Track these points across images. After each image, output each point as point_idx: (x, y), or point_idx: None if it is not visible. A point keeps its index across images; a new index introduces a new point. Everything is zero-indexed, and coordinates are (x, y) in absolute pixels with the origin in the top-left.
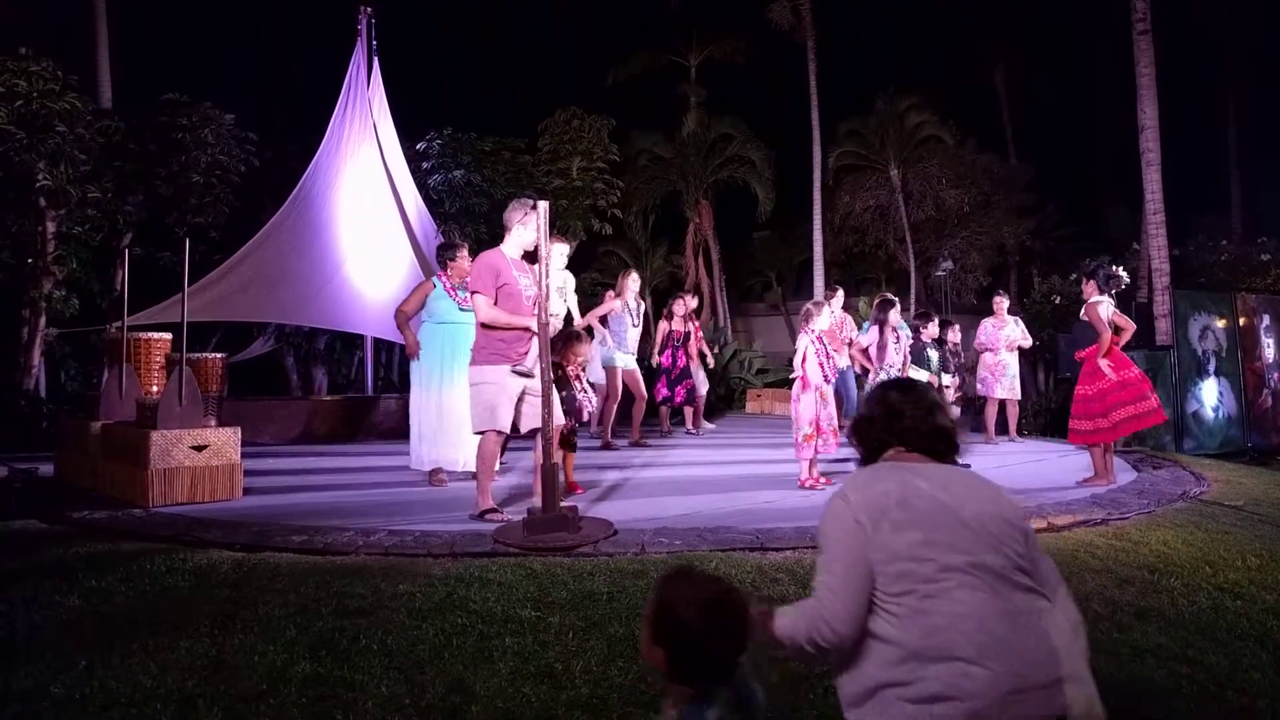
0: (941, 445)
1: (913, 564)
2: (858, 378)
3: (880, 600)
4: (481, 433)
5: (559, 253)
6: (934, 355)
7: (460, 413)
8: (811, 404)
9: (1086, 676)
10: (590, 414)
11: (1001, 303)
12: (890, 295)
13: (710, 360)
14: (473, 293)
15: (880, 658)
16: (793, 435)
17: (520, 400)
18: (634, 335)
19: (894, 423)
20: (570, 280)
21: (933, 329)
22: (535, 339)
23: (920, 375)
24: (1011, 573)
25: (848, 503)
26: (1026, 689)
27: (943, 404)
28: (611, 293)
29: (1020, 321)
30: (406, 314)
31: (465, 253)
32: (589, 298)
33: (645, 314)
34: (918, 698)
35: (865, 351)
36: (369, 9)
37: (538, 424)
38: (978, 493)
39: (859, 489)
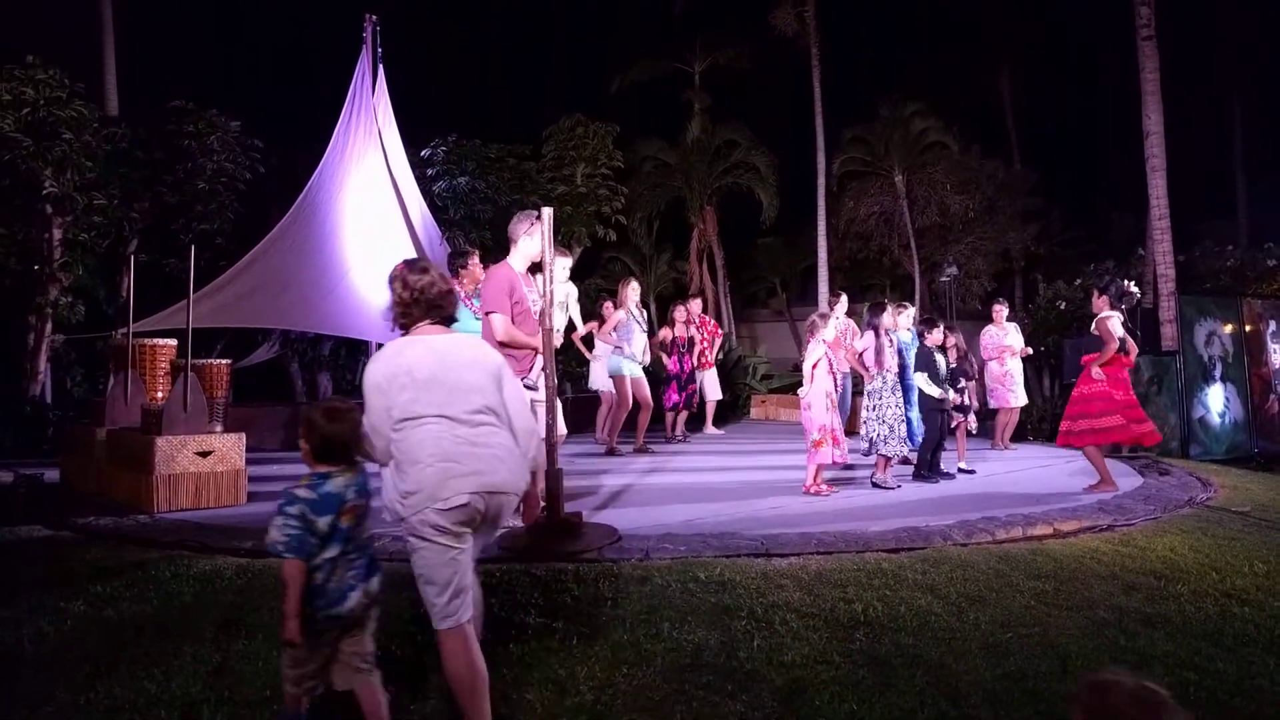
0: (446, 313)
1: (407, 411)
2: (855, 384)
3: (392, 433)
4: None
5: (560, 266)
6: (941, 361)
7: None
8: (823, 410)
9: (507, 467)
10: None
11: (1000, 310)
12: (883, 300)
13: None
14: (488, 313)
15: (394, 469)
16: (805, 441)
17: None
18: (641, 340)
19: (418, 300)
20: (573, 292)
21: (937, 335)
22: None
23: (923, 381)
24: (470, 415)
25: (377, 372)
26: (459, 474)
27: (440, 278)
28: (610, 305)
29: (1018, 329)
30: None
31: (477, 260)
32: (593, 303)
33: (649, 320)
34: (402, 492)
35: (860, 357)
36: (374, 16)
37: (542, 428)
38: (465, 362)
39: (386, 361)
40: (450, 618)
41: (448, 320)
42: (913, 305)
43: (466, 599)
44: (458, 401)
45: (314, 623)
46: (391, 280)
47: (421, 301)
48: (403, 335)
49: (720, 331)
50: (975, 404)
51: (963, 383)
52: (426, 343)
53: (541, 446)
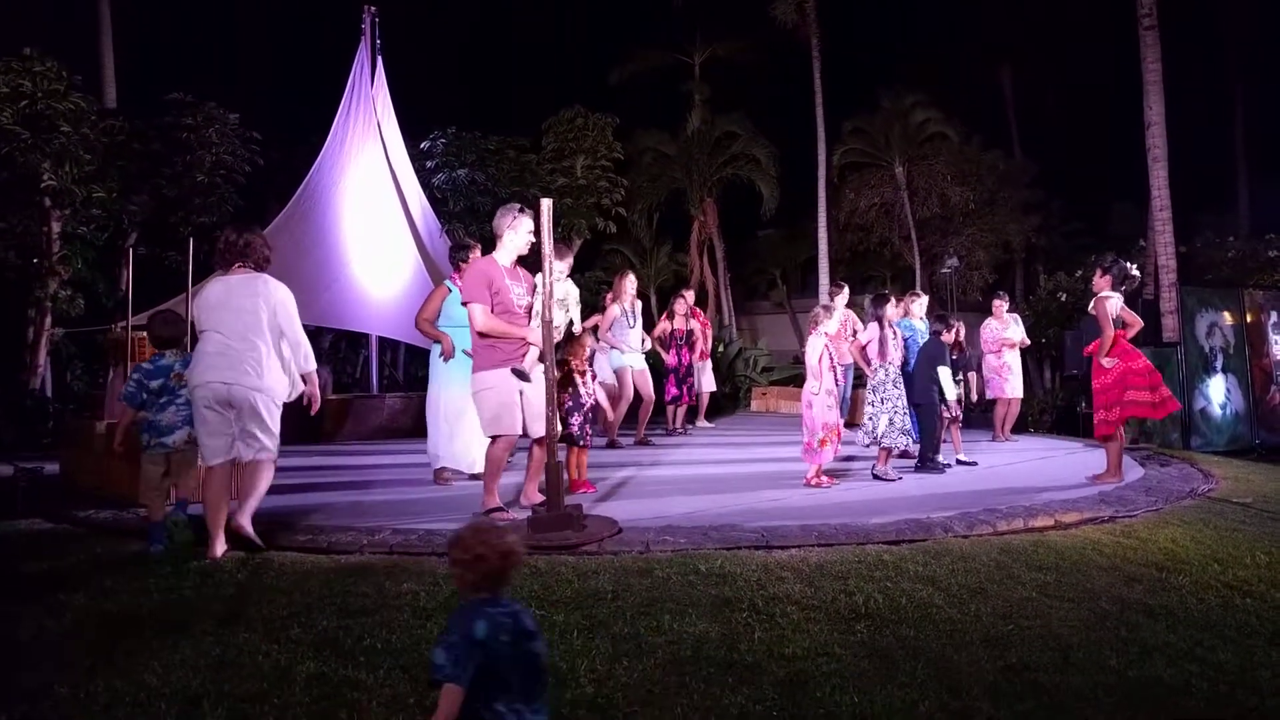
0: (251, 260)
1: (201, 325)
2: (856, 377)
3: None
4: (492, 437)
5: (558, 269)
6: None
7: (470, 415)
8: (824, 409)
9: (252, 371)
10: (594, 410)
11: (1001, 305)
12: (887, 292)
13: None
14: (467, 303)
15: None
16: (803, 439)
17: (522, 403)
18: (635, 335)
19: (231, 245)
20: (573, 291)
21: (950, 335)
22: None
23: (945, 378)
24: (237, 332)
25: (195, 300)
26: (214, 368)
27: (251, 237)
28: (610, 297)
29: (1019, 321)
30: (430, 319)
31: (478, 253)
32: (594, 295)
33: (648, 311)
34: (192, 374)
35: (864, 349)
36: (373, 8)
37: (540, 421)
38: (246, 294)
39: (201, 291)
40: (211, 458)
41: (258, 264)
42: (920, 295)
43: (217, 449)
44: (230, 322)
45: (151, 448)
46: (230, 236)
47: (231, 250)
48: (220, 274)
49: (709, 324)
50: (975, 396)
51: (959, 374)
52: (226, 281)
53: (309, 356)
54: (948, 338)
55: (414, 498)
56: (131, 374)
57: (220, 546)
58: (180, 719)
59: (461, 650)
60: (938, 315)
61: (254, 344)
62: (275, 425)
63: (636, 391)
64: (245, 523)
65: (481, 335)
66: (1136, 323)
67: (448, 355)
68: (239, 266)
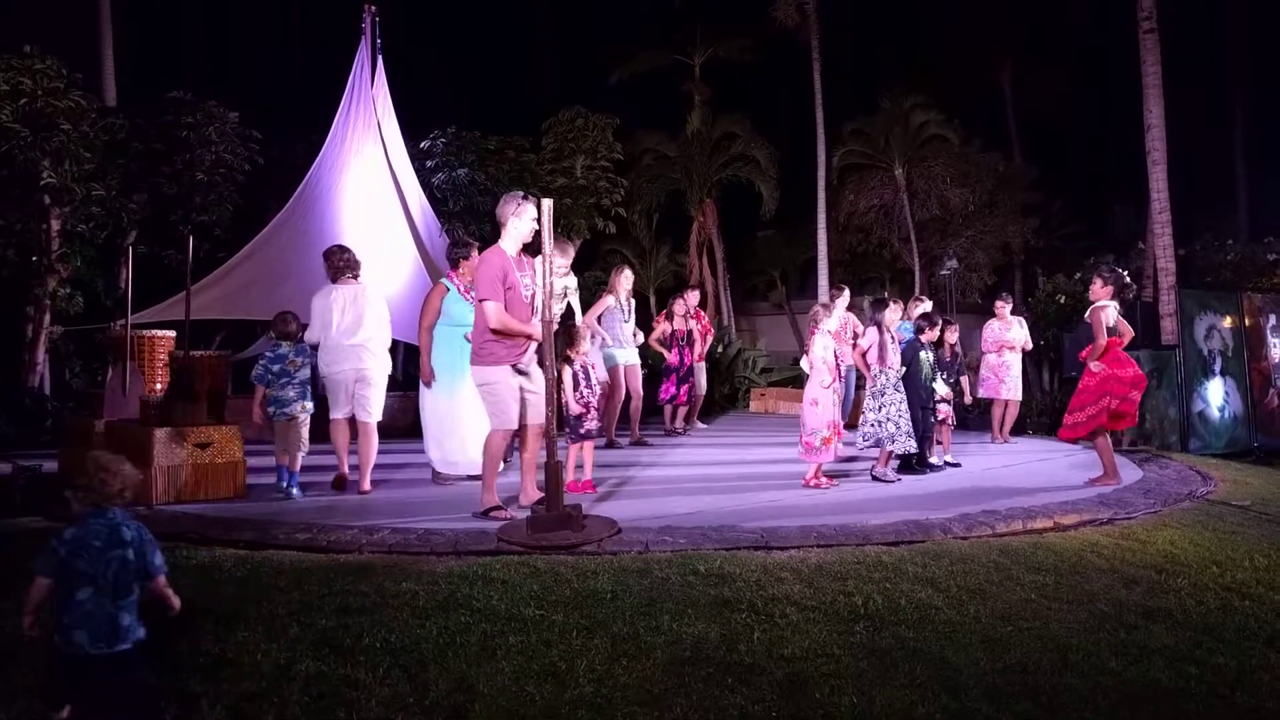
0: (353, 273)
1: (334, 326)
2: (857, 379)
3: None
4: (494, 431)
5: (559, 263)
6: (927, 358)
7: (469, 414)
8: (828, 407)
9: (370, 358)
10: (582, 405)
11: (1004, 306)
12: (885, 296)
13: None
14: (481, 300)
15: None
16: (801, 438)
17: (521, 397)
18: (628, 330)
19: (338, 263)
20: (572, 283)
21: (933, 334)
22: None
23: (939, 385)
24: (356, 328)
25: (315, 303)
26: (343, 358)
27: (351, 255)
28: (605, 291)
29: (1024, 323)
30: (431, 326)
31: (476, 252)
32: (592, 295)
33: (648, 312)
34: (322, 363)
35: (865, 355)
36: (373, 7)
37: (538, 419)
38: (364, 303)
39: (321, 298)
40: (335, 413)
41: (356, 275)
42: (924, 300)
43: (343, 408)
44: (350, 323)
45: (273, 416)
46: (326, 255)
47: (339, 266)
48: (333, 284)
49: (711, 329)
50: (969, 399)
51: (950, 377)
52: (341, 291)
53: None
54: (928, 336)
55: (412, 497)
56: (259, 361)
57: (367, 484)
58: (179, 718)
59: (49, 550)
60: (923, 314)
61: (367, 338)
62: (382, 395)
63: (627, 390)
64: (366, 485)
65: (494, 333)
66: (1128, 333)
67: (427, 382)
68: (347, 278)
